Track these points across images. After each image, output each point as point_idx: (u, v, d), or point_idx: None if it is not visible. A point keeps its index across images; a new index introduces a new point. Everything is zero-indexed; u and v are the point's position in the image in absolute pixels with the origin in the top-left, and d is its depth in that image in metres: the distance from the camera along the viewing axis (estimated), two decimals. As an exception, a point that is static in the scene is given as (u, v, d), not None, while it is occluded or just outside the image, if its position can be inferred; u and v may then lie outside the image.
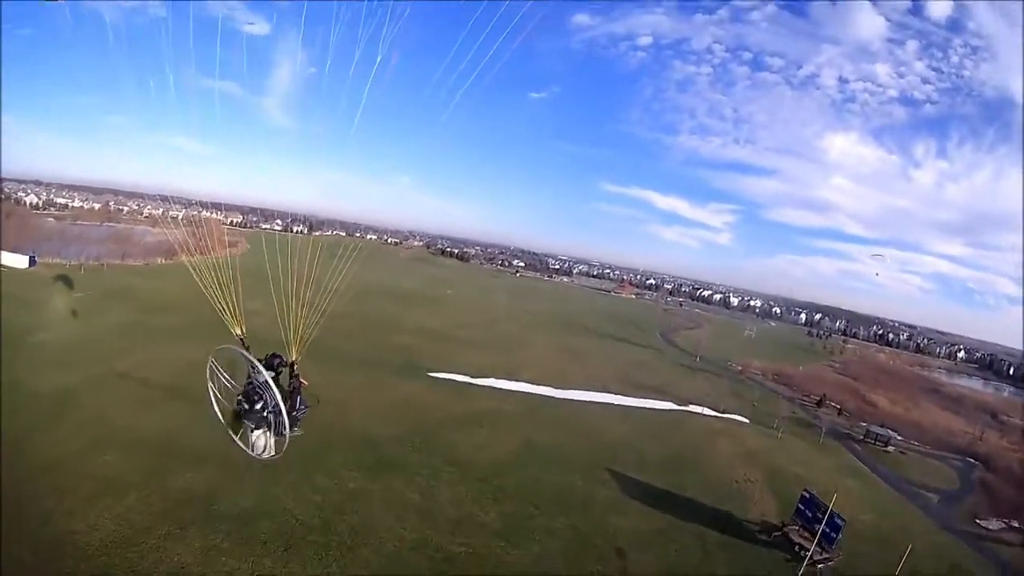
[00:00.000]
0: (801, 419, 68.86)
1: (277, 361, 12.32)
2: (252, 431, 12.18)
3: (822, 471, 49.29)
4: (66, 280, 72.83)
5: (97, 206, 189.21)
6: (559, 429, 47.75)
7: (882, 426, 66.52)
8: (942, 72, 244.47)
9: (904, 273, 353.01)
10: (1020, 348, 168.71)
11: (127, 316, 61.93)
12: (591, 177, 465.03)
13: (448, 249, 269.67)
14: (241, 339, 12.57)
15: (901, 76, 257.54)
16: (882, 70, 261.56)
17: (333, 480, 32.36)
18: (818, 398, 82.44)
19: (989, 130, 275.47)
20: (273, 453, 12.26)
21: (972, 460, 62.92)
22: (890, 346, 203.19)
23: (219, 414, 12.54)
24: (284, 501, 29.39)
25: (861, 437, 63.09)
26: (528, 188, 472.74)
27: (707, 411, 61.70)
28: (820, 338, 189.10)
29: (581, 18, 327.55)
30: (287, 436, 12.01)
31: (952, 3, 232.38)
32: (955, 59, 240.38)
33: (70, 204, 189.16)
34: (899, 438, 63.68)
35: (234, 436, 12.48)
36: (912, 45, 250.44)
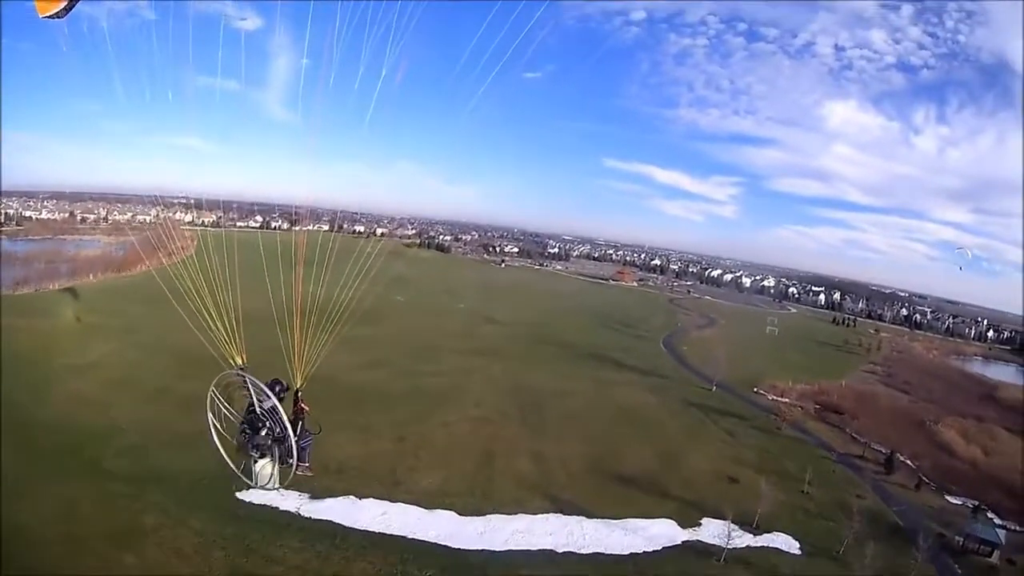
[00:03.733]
0: (877, 515, 45.04)
1: (279, 387, 11.83)
2: (256, 462, 11.73)
3: None
4: None
5: (61, 216, 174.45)
6: None
7: (977, 507, 51.13)
8: (937, 37, 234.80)
9: (909, 241, 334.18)
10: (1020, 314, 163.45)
11: None
12: (592, 154, 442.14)
13: (431, 238, 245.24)
14: (241, 368, 11.84)
15: (897, 42, 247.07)
16: (878, 36, 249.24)
17: None
18: (886, 454, 60.99)
19: (988, 95, 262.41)
20: (278, 484, 11.89)
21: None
22: (919, 328, 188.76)
23: (219, 446, 11.94)
24: None
25: (961, 544, 46.21)
26: (529, 168, 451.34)
27: (734, 534, 36.51)
28: (847, 325, 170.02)
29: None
30: (293, 467, 11.62)
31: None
32: (950, 24, 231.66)
33: (34, 217, 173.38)
34: (998, 522, 49.13)
35: (236, 469, 11.95)
36: (906, 10, 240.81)
